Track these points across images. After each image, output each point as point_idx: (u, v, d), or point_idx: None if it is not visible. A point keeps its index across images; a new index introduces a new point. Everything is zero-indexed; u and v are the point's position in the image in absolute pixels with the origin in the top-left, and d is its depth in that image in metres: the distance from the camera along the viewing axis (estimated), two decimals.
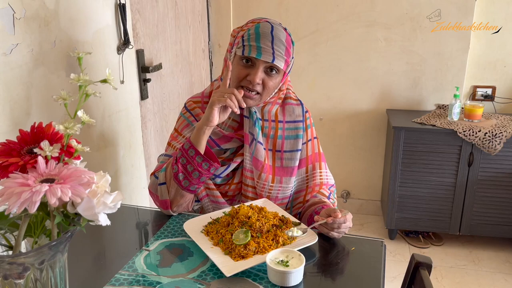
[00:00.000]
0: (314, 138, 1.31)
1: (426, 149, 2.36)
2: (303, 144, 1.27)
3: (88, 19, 1.38)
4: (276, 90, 1.22)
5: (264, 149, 1.23)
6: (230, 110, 1.13)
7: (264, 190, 1.22)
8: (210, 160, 1.12)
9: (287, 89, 1.30)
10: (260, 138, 1.22)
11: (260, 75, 1.14)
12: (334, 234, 1.05)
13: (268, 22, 1.16)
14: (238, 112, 1.12)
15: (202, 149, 1.14)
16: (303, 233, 1.04)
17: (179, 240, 1.07)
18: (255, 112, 1.22)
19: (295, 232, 1.03)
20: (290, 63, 1.20)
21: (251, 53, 1.12)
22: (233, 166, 1.24)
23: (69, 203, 0.63)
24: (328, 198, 1.27)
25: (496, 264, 2.39)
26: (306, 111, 1.30)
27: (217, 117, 1.12)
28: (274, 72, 1.16)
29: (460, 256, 2.46)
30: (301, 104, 1.29)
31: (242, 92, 1.13)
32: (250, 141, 1.22)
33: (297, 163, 1.25)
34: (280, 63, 1.14)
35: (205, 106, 1.29)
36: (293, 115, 1.26)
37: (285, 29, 1.18)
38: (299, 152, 1.26)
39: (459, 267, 2.37)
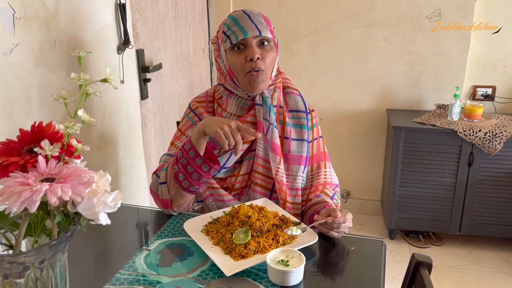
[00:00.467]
0: (320, 137, 1.32)
1: (426, 149, 2.36)
2: (309, 142, 1.28)
3: (88, 19, 1.38)
4: (275, 66, 1.24)
5: None
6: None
7: (283, 176, 1.22)
8: (210, 163, 1.12)
9: (285, 78, 1.30)
10: (275, 123, 1.23)
11: (256, 50, 1.16)
12: (334, 233, 1.05)
13: (236, 10, 1.21)
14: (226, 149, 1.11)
15: (202, 151, 1.13)
16: (303, 232, 1.04)
17: (179, 240, 1.07)
18: (268, 97, 1.22)
19: (294, 231, 1.03)
20: (274, 33, 1.22)
21: (238, 37, 1.15)
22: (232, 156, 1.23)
23: (69, 202, 0.63)
24: (332, 198, 1.27)
25: (496, 264, 2.39)
26: (312, 110, 1.31)
27: None
28: (266, 44, 1.18)
29: (460, 256, 2.46)
30: (301, 95, 1.30)
31: (259, 135, 1.13)
32: (266, 128, 1.22)
33: (304, 152, 1.25)
34: (267, 33, 1.17)
35: (209, 105, 1.29)
36: (295, 105, 1.27)
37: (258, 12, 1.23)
38: (305, 143, 1.25)
39: (459, 267, 2.37)
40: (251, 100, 1.23)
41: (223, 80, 1.25)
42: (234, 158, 1.23)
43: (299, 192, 1.26)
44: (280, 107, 1.25)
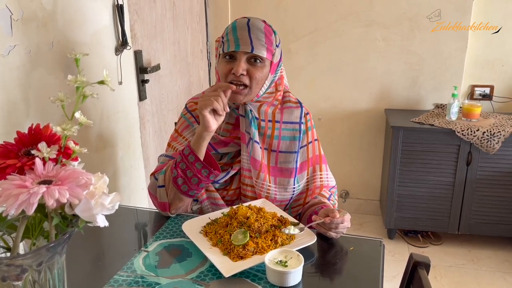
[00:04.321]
0: (315, 140, 1.31)
1: (424, 148, 2.36)
2: (303, 146, 1.27)
3: (86, 20, 1.38)
4: (269, 85, 1.21)
5: (260, 148, 1.23)
6: (223, 112, 1.11)
7: (263, 190, 1.22)
8: (209, 168, 1.12)
9: (287, 92, 1.29)
10: (257, 137, 1.22)
11: (242, 66, 1.13)
12: (332, 234, 1.05)
13: (246, 17, 1.18)
14: (224, 114, 1.11)
15: (201, 155, 1.13)
16: (300, 232, 1.04)
17: (177, 241, 1.07)
18: (251, 110, 1.21)
19: (292, 230, 1.03)
20: (275, 51, 1.18)
21: (230, 47, 1.13)
22: (231, 173, 1.23)
23: (67, 204, 0.62)
24: (328, 199, 1.27)
25: (495, 263, 2.39)
26: (307, 113, 1.30)
27: (212, 121, 1.10)
28: (258, 62, 1.15)
29: (459, 255, 2.47)
30: (301, 106, 1.28)
31: (234, 87, 1.12)
32: (247, 140, 1.22)
33: (294, 165, 1.25)
34: (261, 52, 1.14)
35: None
36: (291, 116, 1.26)
37: (264, 21, 1.19)
38: (295, 155, 1.25)
39: (458, 266, 2.37)
40: (237, 108, 1.23)
41: (217, 79, 1.25)
42: (229, 175, 1.23)
43: (284, 202, 1.26)
44: (269, 121, 1.24)
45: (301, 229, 1.04)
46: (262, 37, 1.14)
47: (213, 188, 1.23)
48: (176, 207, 1.17)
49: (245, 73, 1.14)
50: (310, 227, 1.06)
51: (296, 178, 1.25)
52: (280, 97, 1.27)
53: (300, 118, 1.27)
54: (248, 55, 1.14)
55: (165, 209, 1.17)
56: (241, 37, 1.13)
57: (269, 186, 1.22)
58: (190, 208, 1.24)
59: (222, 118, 1.13)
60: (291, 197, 1.26)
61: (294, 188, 1.25)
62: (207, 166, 1.11)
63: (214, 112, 1.11)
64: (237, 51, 1.13)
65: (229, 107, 1.23)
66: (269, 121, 1.24)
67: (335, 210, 1.04)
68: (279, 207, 1.24)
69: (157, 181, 1.18)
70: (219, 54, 1.19)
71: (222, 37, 1.18)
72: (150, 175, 1.24)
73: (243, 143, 1.22)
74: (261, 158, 1.22)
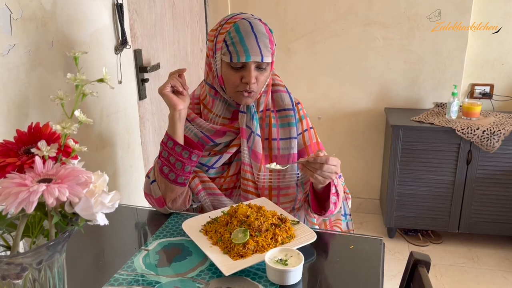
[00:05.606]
0: (310, 128, 1.31)
1: (424, 147, 2.36)
2: (299, 134, 1.28)
3: (86, 20, 1.38)
4: (268, 79, 1.23)
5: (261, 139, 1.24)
6: (185, 92, 1.17)
7: (264, 182, 1.23)
8: (189, 148, 1.14)
9: (273, 74, 1.30)
10: (258, 130, 1.23)
11: (253, 75, 1.14)
12: (318, 177, 1.05)
13: (244, 19, 1.15)
14: (186, 93, 1.17)
15: (179, 139, 1.15)
16: (282, 167, 1.13)
17: (178, 240, 1.07)
18: (253, 105, 1.22)
19: (273, 165, 1.11)
20: (274, 51, 1.19)
21: (240, 58, 1.12)
22: (226, 156, 1.24)
23: (67, 203, 0.62)
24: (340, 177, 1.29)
25: (495, 262, 2.39)
26: (298, 103, 1.30)
27: (176, 99, 1.15)
28: (264, 67, 1.16)
29: (459, 254, 2.47)
30: (288, 91, 1.29)
31: (186, 69, 1.21)
32: (248, 135, 1.22)
33: (294, 150, 1.25)
34: (268, 58, 1.15)
35: (196, 107, 1.30)
36: (282, 104, 1.27)
37: (260, 20, 1.17)
38: (295, 140, 1.26)
39: (458, 265, 2.37)
40: (236, 104, 1.24)
41: (210, 77, 1.24)
42: (224, 158, 1.24)
43: (290, 190, 1.26)
44: (267, 109, 1.26)
45: (283, 166, 1.13)
46: (268, 43, 1.14)
47: (207, 178, 1.23)
48: (170, 199, 1.18)
49: (255, 81, 1.15)
50: (311, 227, 1.06)
51: (297, 164, 1.26)
52: (270, 81, 1.27)
53: (292, 104, 1.27)
54: (257, 63, 1.14)
55: (161, 204, 1.18)
56: (250, 46, 1.11)
57: (270, 175, 1.23)
58: (188, 204, 1.24)
59: (187, 99, 1.18)
60: (296, 183, 1.26)
61: (298, 174, 1.26)
62: (186, 147, 1.14)
63: (177, 93, 1.17)
64: (248, 61, 1.13)
65: (226, 103, 1.23)
66: (267, 110, 1.26)
67: (321, 151, 1.06)
68: (288, 196, 1.24)
69: (149, 179, 1.20)
70: (220, 59, 1.16)
71: (225, 43, 1.13)
72: (145, 176, 1.25)
73: (243, 138, 1.22)
74: (262, 151, 1.23)
